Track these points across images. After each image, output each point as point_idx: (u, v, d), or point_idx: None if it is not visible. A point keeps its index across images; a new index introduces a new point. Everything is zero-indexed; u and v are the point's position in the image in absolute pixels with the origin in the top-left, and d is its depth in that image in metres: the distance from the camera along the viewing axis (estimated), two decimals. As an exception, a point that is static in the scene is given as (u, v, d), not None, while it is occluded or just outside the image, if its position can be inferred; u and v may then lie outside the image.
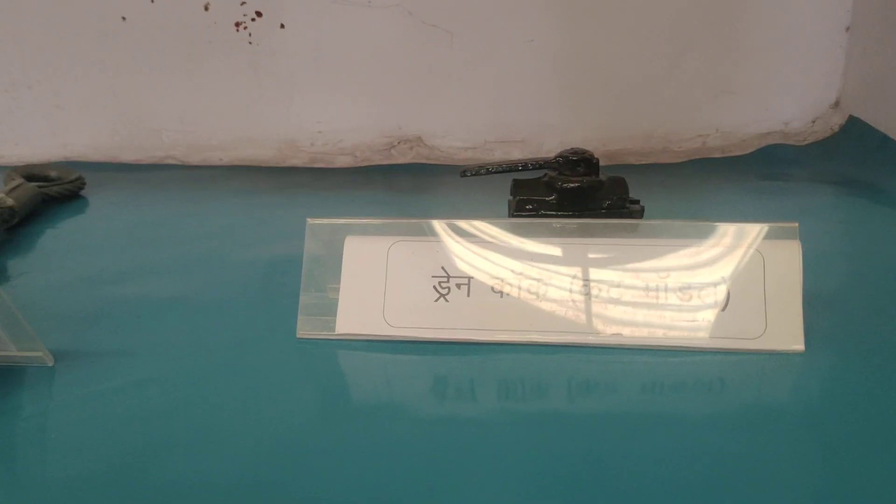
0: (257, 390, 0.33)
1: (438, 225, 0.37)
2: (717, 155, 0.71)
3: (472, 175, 0.49)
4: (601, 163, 0.48)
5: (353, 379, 0.35)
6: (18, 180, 0.58)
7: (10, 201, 0.54)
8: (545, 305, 0.36)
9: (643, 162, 0.70)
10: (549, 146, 0.72)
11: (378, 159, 0.73)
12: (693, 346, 0.34)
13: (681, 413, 0.30)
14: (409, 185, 0.68)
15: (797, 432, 0.29)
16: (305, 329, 0.37)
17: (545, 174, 0.49)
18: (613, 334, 0.35)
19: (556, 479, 0.26)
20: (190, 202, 0.65)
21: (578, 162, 0.48)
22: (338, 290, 0.37)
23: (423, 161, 0.73)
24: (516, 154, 0.72)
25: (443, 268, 0.37)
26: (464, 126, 0.73)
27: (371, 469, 0.27)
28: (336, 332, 0.36)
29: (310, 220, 0.38)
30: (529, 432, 0.29)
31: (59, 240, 0.56)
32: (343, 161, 0.73)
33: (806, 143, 0.70)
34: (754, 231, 0.35)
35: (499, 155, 0.73)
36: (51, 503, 0.26)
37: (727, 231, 0.35)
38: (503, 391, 0.33)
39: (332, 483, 0.26)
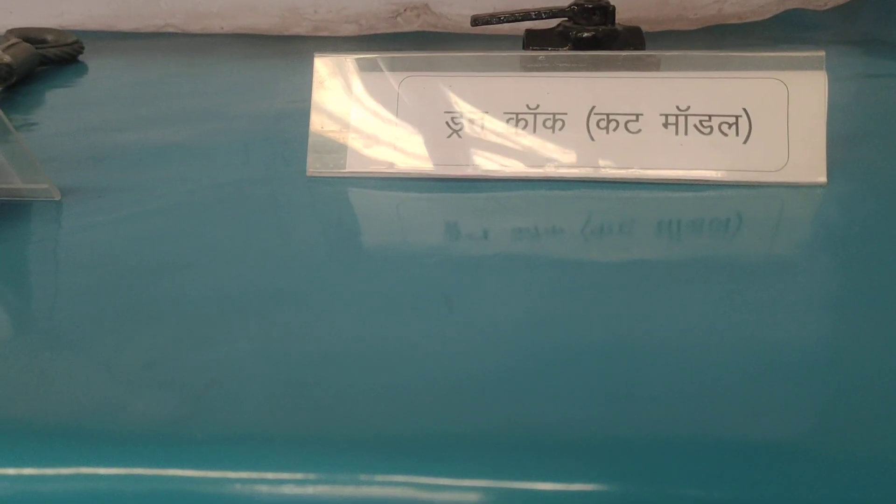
0: (266, 223, 0.33)
1: (450, 59, 0.36)
2: (734, 21, 0.68)
3: (483, 24, 0.47)
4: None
5: (363, 216, 0.35)
6: (14, 39, 0.56)
7: (7, 58, 0.52)
8: (560, 139, 0.35)
9: (657, 29, 0.68)
10: (561, 14, 0.69)
11: (384, 27, 0.71)
12: (713, 180, 0.34)
13: (699, 249, 0.30)
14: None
15: (820, 263, 0.28)
16: (315, 167, 0.36)
17: (559, 24, 0.48)
18: (630, 169, 0.34)
19: (566, 320, 0.25)
20: (189, 66, 0.63)
21: (594, 10, 0.46)
22: (348, 128, 0.36)
23: (430, 29, 0.70)
24: (523, 24, 0.70)
25: (455, 103, 0.36)
26: (471, -8, 0.70)
27: (379, 307, 0.26)
28: (346, 170, 0.36)
29: (318, 56, 0.37)
30: (542, 271, 0.28)
31: (57, 98, 0.54)
32: (348, 29, 0.71)
33: (827, 7, 0.68)
34: (778, 60, 0.34)
35: (508, 26, 0.70)
36: (61, 311, 0.26)
37: (749, 61, 0.34)
38: (516, 228, 0.32)
39: (338, 319, 0.25)
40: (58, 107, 0.52)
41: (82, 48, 0.62)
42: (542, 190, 0.34)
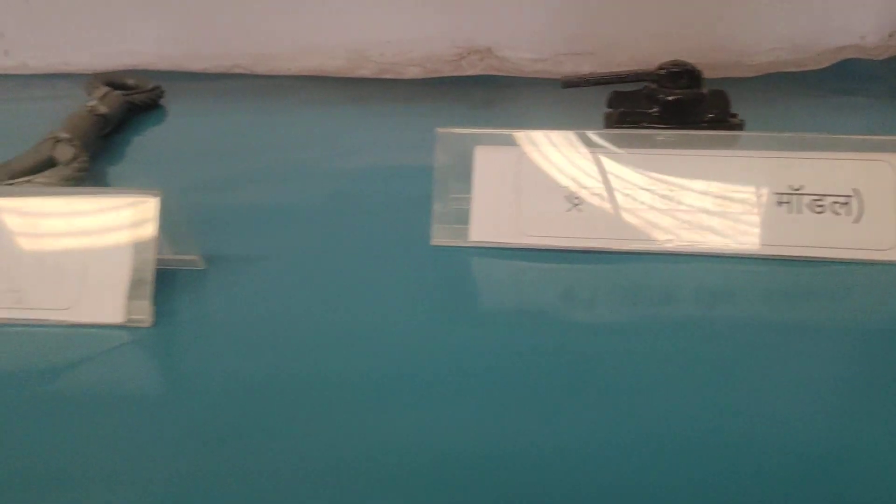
0: (395, 293, 0.35)
1: (567, 136, 0.38)
2: (792, 69, 0.70)
3: (572, 86, 0.49)
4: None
5: (488, 284, 0.36)
6: (104, 88, 0.58)
7: (103, 108, 0.54)
8: (677, 216, 0.36)
9: (715, 76, 0.70)
10: (620, 59, 0.71)
11: (448, 70, 0.73)
12: (824, 258, 0.35)
13: (813, 321, 0.32)
14: (480, 97, 0.68)
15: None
16: (440, 237, 0.38)
17: (644, 86, 0.49)
18: (743, 244, 0.36)
19: (686, 384, 0.27)
20: (267, 113, 0.65)
21: (681, 74, 0.48)
22: (468, 199, 0.38)
23: (494, 73, 0.72)
24: (587, 67, 0.72)
25: (574, 178, 0.37)
26: (534, 37, 0.72)
27: (498, 373, 0.28)
28: (470, 240, 0.37)
29: (440, 130, 0.38)
30: (662, 338, 0.30)
31: (149, 149, 0.56)
32: (412, 72, 0.73)
33: (882, 57, 0.69)
34: (885, 143, 0.36)
35: (569, 68, 0.72)
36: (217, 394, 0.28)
37: (859, 143, 0.36)
38: (634, 298, 0.34)
39: (460, 381, 0.28)
40: (153, 160, 0.53)
41: (162, 94, 0.64)
42: (659, 263, 0.36)
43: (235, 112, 0.64)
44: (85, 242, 0.31)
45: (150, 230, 0.31)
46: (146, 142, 0.57)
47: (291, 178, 0.48)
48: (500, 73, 0.72)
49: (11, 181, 0.42)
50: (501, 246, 0.37)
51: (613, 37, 0.72)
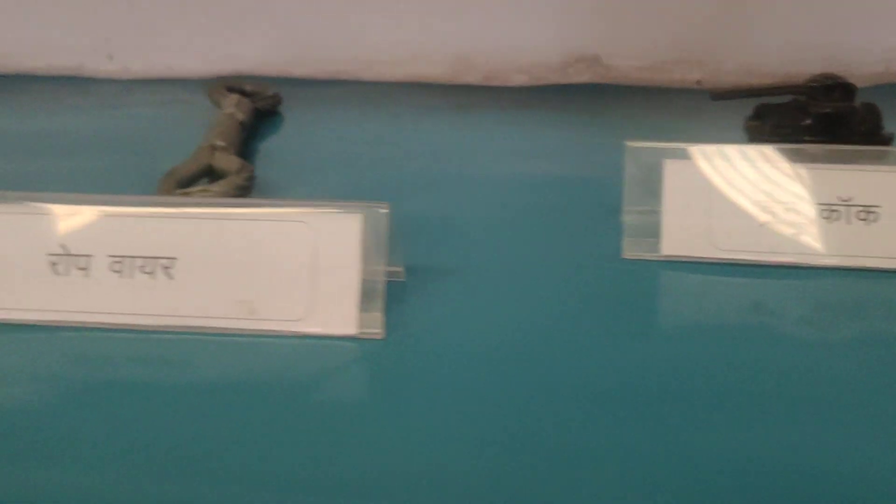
0: (590, 305, 0.35)
1: (761, 150, 0.38)
2: (901, 80, 0.70)
3: (722, 98, 0.49)
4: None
5: (683, 298, 0.37)
6: (234, 95, 0.59)
7: (240, 115, 0.55)
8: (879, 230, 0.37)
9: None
10: (728, 67, 0.71)
11: (554, 78, 0.73)
12: None
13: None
14: (587, 105, 0.68)
15: None
16: (631, 250, 0.38)
17: (792, 98, 0.49)
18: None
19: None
20: (377, 121, 0.65)
21: (834, 87, 0.48)
22: (657, 212, 0.38)
23: (601, 81, 0.72)
24: (694, 75, 0.72)
25: (766, 192, 0.38)
26: (641, 45, 0.72)
27: (695, 388, 0.29)
28: (662, 254, 0.38)
29: (629, 144, 0.39)
30: (855, 354, 0.31)
31: (281, 158, 0.56)
32: (518, 79, 0.73)
33: None
34: None
35: (676, 76, 0.72)
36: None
37: None
38: (830, 313, 0.34)
39: (658, 396, 0.28)
40: (291, 169, 0.53)
41: (280, 101, 0.64)
42: (856, 279, 0.36)
43: (353, 120, 0.64)
44: (314, 254, 0.31)
45: (378, 242, 0.31)
46: (277, 148, 0.58)
47: (451, 186, 0.48)
48: (607, 82, 0.73)
49: (187, 190, 0.42)
50: (694, 260, 0.37)
51: (720, 45, 0.72)
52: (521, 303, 0.35)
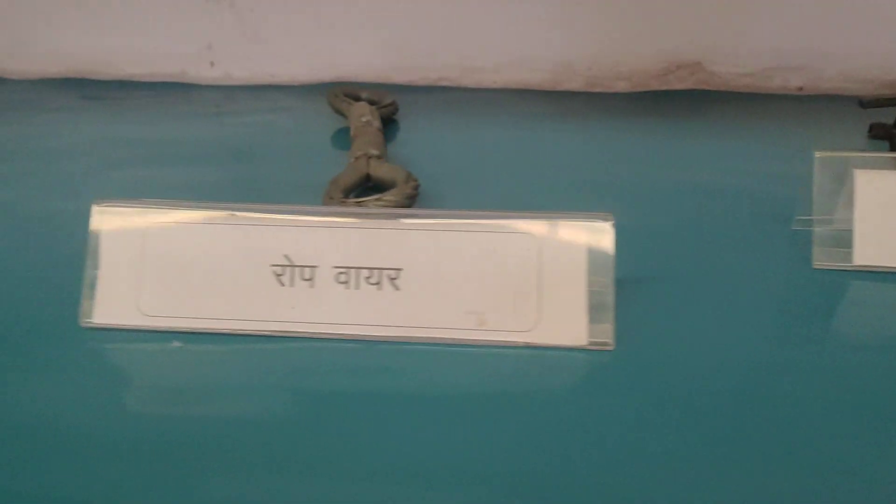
0: (790, 315, 0.35)
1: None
2: None
3: (873, 106, 0.49)
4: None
5: (881, 308, 0.37)
6: (361, 103, 0.59)
7: (376, 123, 0.55)
8: None
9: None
10: (829, 73, 0.72)
11: (655, 85, 0.73)
12: None
13: None
14: (688, 112, 0.69)
15: None
16: (821, 260, 0.38)
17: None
18: None
19: None
20: (488, 128, 0.65)
21: None
22: (853, 221, 0.38)
23: (703, 87, 0.73)
24: (795, 81, 0.72)
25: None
26: (743, 51, 0.72)
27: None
28: (854, 264, 0.38)
29: (818, 154, 0.39)
30: None
31: (424, 164, 0.55)
32: (619, 86, 0.73)
33: None
34: None
35: (777, 82, 0.72)
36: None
37: None
38: None
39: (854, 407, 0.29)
40: (433, 181, 0.53)
41: (397, 109, 0.65)
42: None
43: (474, 127, 0.65)
44: (541, 265, 0.32)
45: (607, 253, 0.31)
46: (411, 156, 0.58)
47: (613, 194, 0.48)
48: (710, 88, 0.73)
49: (360, 200, 0.43)
50: (889, 270, 0.37)
51: (822, 51, 0.72)
52: (727, 312, 0.35)
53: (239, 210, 0.33)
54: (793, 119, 0.67)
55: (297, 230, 0.33)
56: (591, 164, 0.56)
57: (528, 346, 0.32)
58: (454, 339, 0.32)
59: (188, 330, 0.33)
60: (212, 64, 0.76)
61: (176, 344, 0.32)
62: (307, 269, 0.32)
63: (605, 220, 0.32)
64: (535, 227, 0.32)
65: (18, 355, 0.32)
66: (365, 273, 0.32)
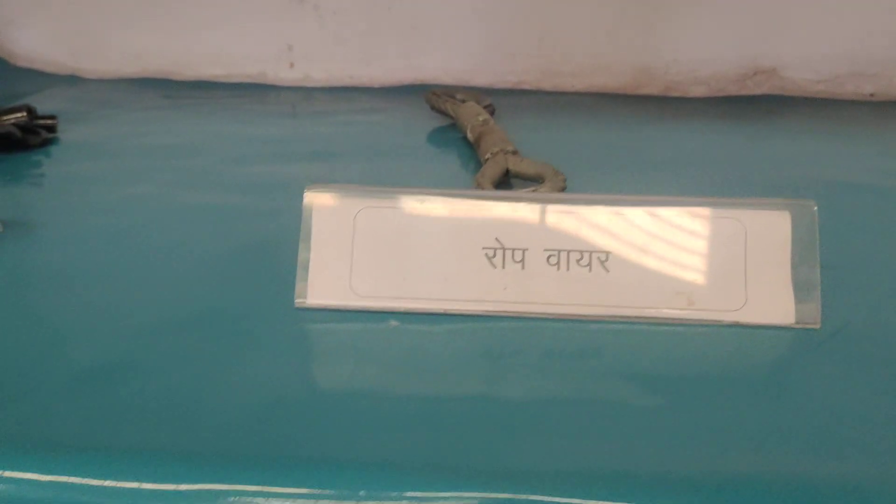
0: None
1: None
2: None
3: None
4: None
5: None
6: (470, 103, 0.60)
7: (491, 122, 0.56)
8: None
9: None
10: (900, 80, 0.74)
11: (733, 90, 0.75)
12: None
13: None
14: (764, 117, 0.70)
15: None
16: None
17: None
18: None
19: None
20: (570, 129, 0.66)
21: None
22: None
23: (778, 93, 0.75)
24: (868, 88, 0.74)
25: None
26: (818, 58, 0.74)
27: None
28: None
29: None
30: None
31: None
32: (698, 91, 0.75)
33: None
34: None
35: (850, 88, 0.75)
36: None
37: None
38: None
39: None
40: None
41: (494, 110, 0.66)
42: None
43: (561, 130, 0.66)
44: (746, 248, 0.33)
45: (811, 235, 0.33)
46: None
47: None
48: (784, 93, 0.75)
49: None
50: None
51: (893, 58, 0.74)
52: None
53: (449, 196, 0.34)
54: (868, 123, 0.69)
55: (506, 215, 0.34)
56: (734, 164, 0.57)
57: (736, 325, 0.33)
58: (663, 317, 0.33)
59: (402, 310, 0.33)
60: (291, 65, 0.77)
61: (394, 323, 0.33)
62: (518, 251, 0.33)
63: (809, 205, 0.33)
64: (740, 211, 0.33)
65: (237, 337, 0.33)
66: (575, 255, 0.33)
